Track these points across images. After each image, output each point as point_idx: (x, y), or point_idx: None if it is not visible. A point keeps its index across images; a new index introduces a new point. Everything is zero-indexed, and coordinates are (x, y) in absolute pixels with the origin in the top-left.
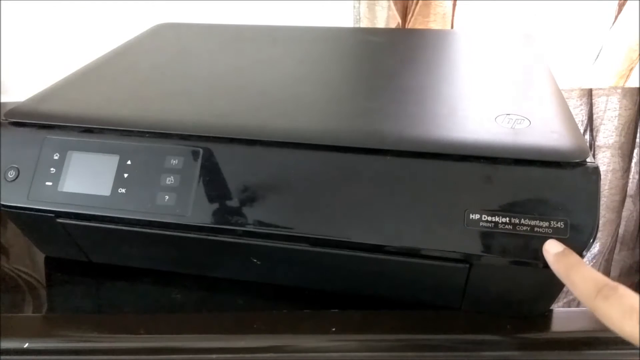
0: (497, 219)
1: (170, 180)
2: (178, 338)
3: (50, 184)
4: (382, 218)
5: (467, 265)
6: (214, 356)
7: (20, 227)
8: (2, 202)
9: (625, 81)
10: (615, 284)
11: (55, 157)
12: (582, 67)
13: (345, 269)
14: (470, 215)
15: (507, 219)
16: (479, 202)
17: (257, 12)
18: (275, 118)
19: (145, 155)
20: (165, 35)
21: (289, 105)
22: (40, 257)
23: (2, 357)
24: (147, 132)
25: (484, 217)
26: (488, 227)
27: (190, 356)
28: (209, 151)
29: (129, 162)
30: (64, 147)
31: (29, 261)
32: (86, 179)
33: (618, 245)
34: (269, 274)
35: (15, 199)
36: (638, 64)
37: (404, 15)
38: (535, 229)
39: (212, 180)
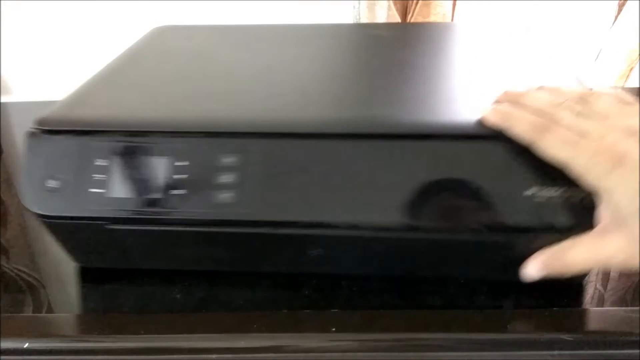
0: (550, 192)
1: (226, 178)
2: (178, 338)
3: (98, 190)
4: (447, 200)
5: (527, 237)
6: (214, 356)
7: (60, 238)
8: (44, 212)
9: (625, 81)
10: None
11: (100, 163)
12: (582, 67)
13: (409, 251)
14: (528, 190)
15: (560, 191)
16: (535, 178)
17: (256, 13)
18: (324, 110)
19: (197, 155)
20: (172, 38)
21: (331, 97)
22: (40, 257)
23: (2, 357)
24: (197, 133)
25: (539, 192)
26: (543, 200)
27: (190, 356)
28: (263, 147)
29: (180, 163)
30: (109, 152)
31: (29, 261)
32: (136, 183)
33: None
34: (327, 263)
35: (59, 208)
36: (638, 64)
37: (404, 15)
38: (586, 197)
39: (269, 175)
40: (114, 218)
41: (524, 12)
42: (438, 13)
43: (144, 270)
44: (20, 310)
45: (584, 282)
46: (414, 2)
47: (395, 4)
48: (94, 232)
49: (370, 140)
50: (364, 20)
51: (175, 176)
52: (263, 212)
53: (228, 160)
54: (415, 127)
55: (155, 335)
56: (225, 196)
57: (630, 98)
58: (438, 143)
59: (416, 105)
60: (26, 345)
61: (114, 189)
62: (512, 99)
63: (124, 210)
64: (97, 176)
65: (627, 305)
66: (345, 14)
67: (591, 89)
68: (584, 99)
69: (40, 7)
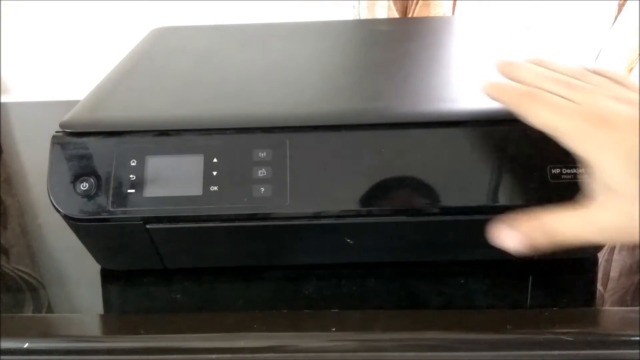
0: (575, 170)
1: (262, 172)
2: (178, 338)
3: (133, 191)
4: (477, 182)
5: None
6: (213, 356)
7: (91, 241)
8: (79, 216)
9: None
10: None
11: (133, 164)
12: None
13: (439, 235)
14: (553, 170)
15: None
16: (559, 157)
17: (254, 13)
18: (351, 102)
19: (231, 151)
20: (174, 39)
21: (351, 90)
22: (40, 257)
23: (2, 357)
24: (228, 129)
25: (564, 170)
26: (569, 178)
27: (190, 356)
28: (296, 140)
29: (215, 160)
30: (141, 152)
31: (29, 261)
32: (172, 182)
33: (618, 245)
34: (361, 252)
35: (95, 210)
36: (638, 63)
37: (404, 15)
38: None
39: (304, 168)
40: (152, 217)
41: (524, 12)
42: (438, 13)
43: (144, 270)
44: (20, 310)
45: (598, 257)
46: (414, 2)
47: (395, 4)
48: (130, 232)
49: (399, 129)
50: None
51: (210, 172)
52: (299, 205)
53: (262, 154)
54: (451, 115)
55: (155, 335)
56: (261, 190)
57: (630, 81)
58: (477, 129)
59: (442, 95)
60: (26, 345)
61: (150, 189)
62: (504, 70)
63: (162, 209)
64: (133, 176)
65: (627, 305)
66: (345, 14)
67: (590, 67)
68: (580, 72)
69: (40, 7)
